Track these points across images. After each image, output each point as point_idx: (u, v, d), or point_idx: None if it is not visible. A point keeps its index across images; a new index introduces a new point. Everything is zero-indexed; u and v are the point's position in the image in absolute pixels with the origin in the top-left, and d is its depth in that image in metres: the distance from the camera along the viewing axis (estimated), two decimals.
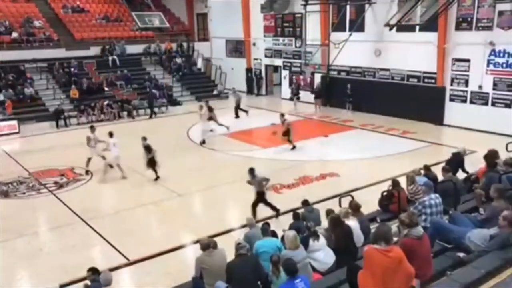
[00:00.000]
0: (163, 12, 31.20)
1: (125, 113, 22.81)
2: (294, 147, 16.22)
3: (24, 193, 12.83)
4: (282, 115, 16.78)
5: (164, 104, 24.16)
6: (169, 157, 15.43)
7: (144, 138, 13.60)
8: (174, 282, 7.45)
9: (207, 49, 30.57)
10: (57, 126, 20.77)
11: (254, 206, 10.46)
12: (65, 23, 27.76)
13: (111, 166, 13.93)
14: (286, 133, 16.16)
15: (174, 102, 25.32)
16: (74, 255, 9.11)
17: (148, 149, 13.42)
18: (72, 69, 24.79)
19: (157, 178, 13.48)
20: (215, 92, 27.52)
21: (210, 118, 18.21)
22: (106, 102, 22.54)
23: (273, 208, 10.63)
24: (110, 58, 26.37)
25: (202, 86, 28.15)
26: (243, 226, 9.47)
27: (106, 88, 24.58)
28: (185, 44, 30.20)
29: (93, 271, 6.66)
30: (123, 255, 9.13)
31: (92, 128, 14.60)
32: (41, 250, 9.66)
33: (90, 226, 10.54)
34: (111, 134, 14.09)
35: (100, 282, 6.33)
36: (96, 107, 22.12)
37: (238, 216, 10.39)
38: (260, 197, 10.56)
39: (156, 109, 23.35)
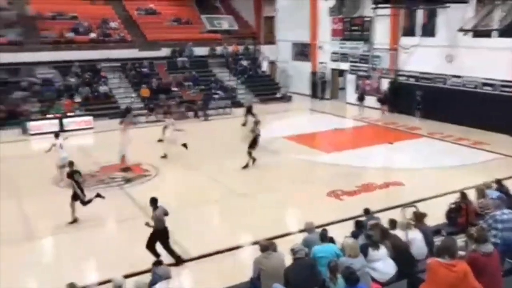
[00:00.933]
0: (232, 15, 31.77)
1: (191, 113, 23.44)
2: (253, 160, 14.74)
3: (93, 186, 13.41)
4: (256, 123, 14.99)
5: (229, 106, 24.60)
6: (231, 157, 15.68)
7: (71, 164, 11.24)
8: (232, 281, 7.54)
9: (273, 52, 30.84)
10: None
11: (152, 245, 8.60)
12: (138, 25, 29.05)
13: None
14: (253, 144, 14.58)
15: (238, 104, 25.70)
16: (138, 248, 9.45)
17: (70, 175, 10.85)
18: (144, 69, 25.89)
19: (74, 221, 10.74)
20: (278, 95, 27.68)
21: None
22: (173, 102, 23.28)
23: (174, 255, 8.80)
24: (179, 59, 27.25)
25: (266, 88, 28.35)
26: (301, 231, 9.42)
27: (174, 88, 25.38)
28: (251, 47, 30.57)
29: (157, 263, 7.00)
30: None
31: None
32: (106, 242, 10.13)
33: None
34: (57, 135, 13.65)
35: (159, 275, 6.56)
36: (164, 107, 22.91)
37: (297, 220, 10.30)
38: (160, 237, 8.61)
39: (220, 110, 23.90)
